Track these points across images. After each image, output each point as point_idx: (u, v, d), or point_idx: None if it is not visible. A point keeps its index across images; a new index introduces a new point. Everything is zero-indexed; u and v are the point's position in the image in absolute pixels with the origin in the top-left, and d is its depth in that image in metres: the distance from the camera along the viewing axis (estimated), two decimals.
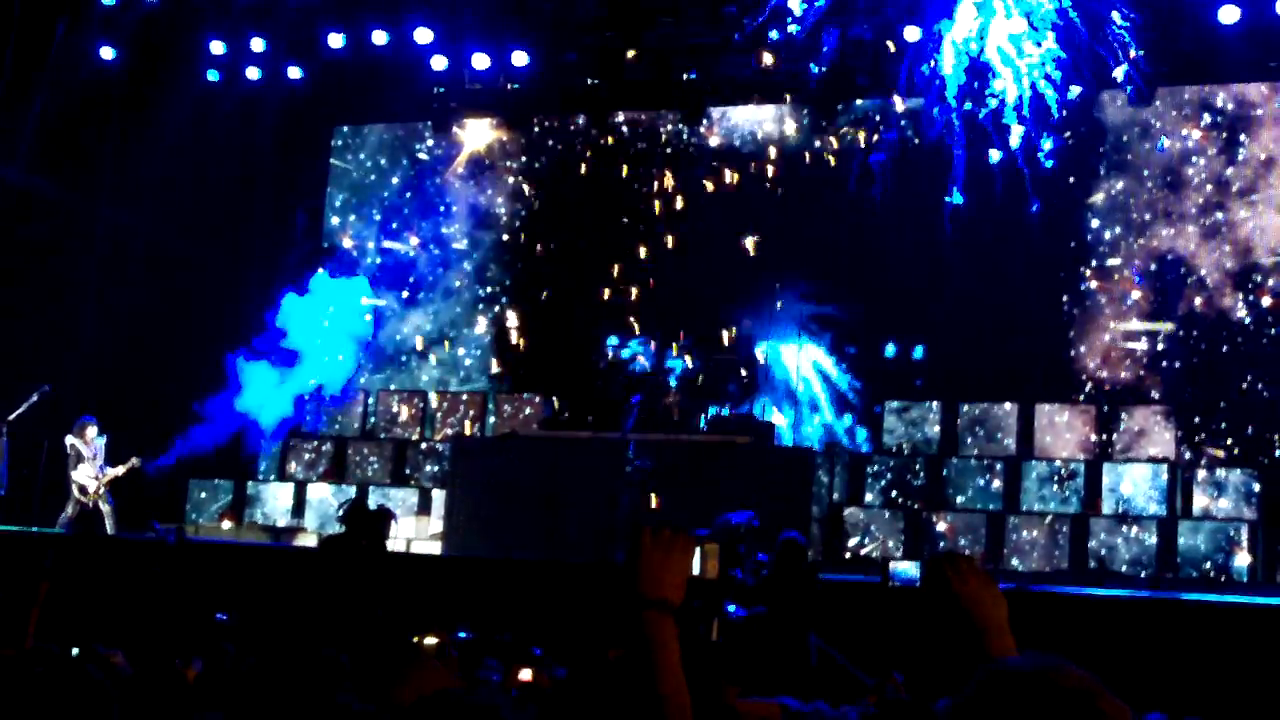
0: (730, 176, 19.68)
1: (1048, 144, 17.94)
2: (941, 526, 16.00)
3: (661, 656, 2.98)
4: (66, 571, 11.55)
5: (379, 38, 18.87)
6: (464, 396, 19.61)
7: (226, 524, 18.52)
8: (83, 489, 17.36)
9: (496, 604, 13.00)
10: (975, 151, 18.17)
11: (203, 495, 19.06)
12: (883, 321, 18.48)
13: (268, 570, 14.26)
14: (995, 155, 18.03)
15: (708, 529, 13.10)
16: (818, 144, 19.45)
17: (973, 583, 3.04)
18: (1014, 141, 18.03)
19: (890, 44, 17.58)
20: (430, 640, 8.22)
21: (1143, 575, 15.01)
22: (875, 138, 19.10)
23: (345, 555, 11.55)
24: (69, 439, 17.45)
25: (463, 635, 10.61)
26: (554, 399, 18.58)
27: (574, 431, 16.63)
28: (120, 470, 17.55)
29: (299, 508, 18.56)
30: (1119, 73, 17.18)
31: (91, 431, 17.68)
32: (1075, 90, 17.61)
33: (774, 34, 17.44)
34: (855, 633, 11.69)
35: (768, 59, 17.96)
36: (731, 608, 10.99)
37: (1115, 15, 16.58)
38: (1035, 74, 17.33)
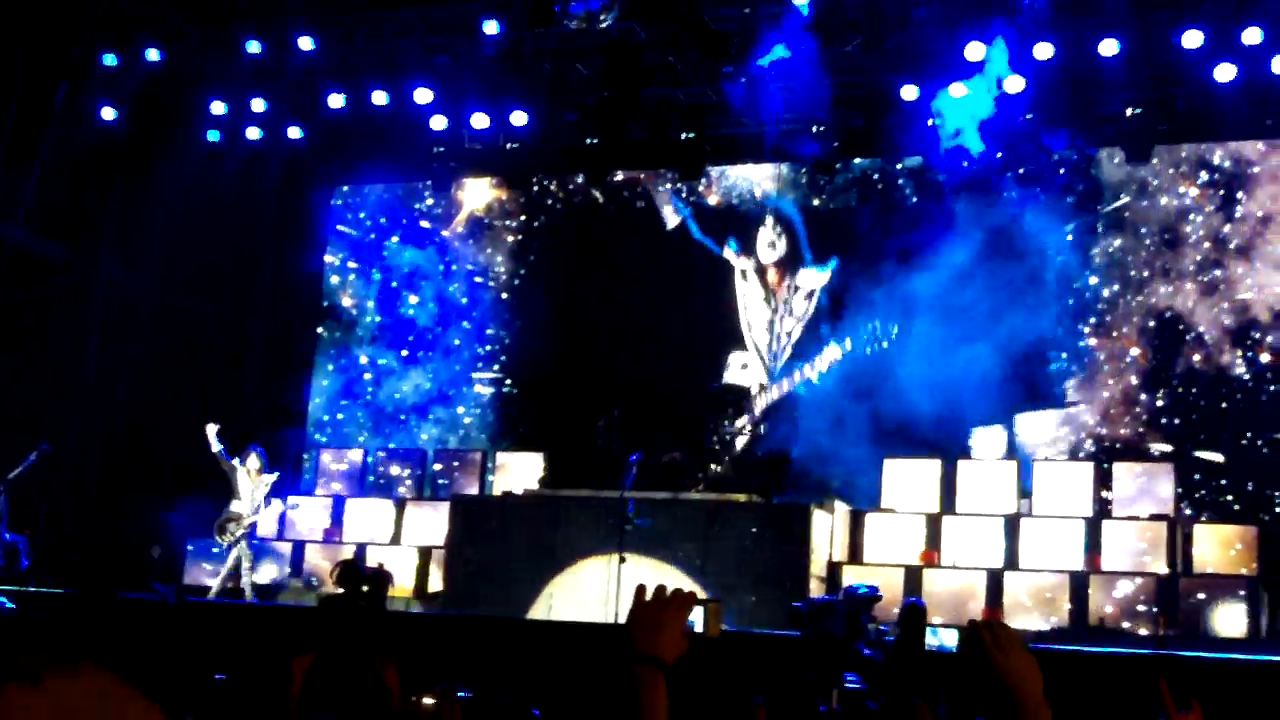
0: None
1: (1044, 201, 18.09)
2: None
3: (648, 713, 2.99)
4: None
5: (379, 98, 18.96)
6: (463, 455, 19.61)
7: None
8: (222, 528, 16.75)
9: (494, 664, 12.94)
10: (972, 209, 18.27)
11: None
12: (879, 380, 18.43)
13: (266, 630, 14.20)
14: (992, 213, 18.16)
15: (832, 595, 13.06)
16: (815, 203, 19.56)
17: (1012, 653, 3.00)
18: (1011, 199, 18.15)
19: (888, 104, 17.67)
20: (428, 700, 8.19)
21: (1144, 632, 14.93)
22: (872, 197, 19.25)
23: (344, 615, 11.51)
24: (236, 463, 16.88)
25: (461, 695, 10.56)
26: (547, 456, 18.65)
27: (573, 490, 16.62)
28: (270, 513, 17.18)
29: (297, 567, 18.49)
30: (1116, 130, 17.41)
31: (254, 462, 17.01)
32: (1074, 148, 17.75)
33: (771, 93, 17.51)
34: None
35: (764, 119, 18.03)
36: (852, 678, 10.93)
37: (1113, 73, 16.69)
38: (1033, 132, 17.44)
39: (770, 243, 19.45)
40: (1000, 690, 2.98)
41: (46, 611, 12.15)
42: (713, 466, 17.05)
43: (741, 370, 18.77)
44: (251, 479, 16.92)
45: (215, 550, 18.41)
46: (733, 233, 19.73)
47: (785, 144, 18.44)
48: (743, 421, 17.36)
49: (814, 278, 19.12)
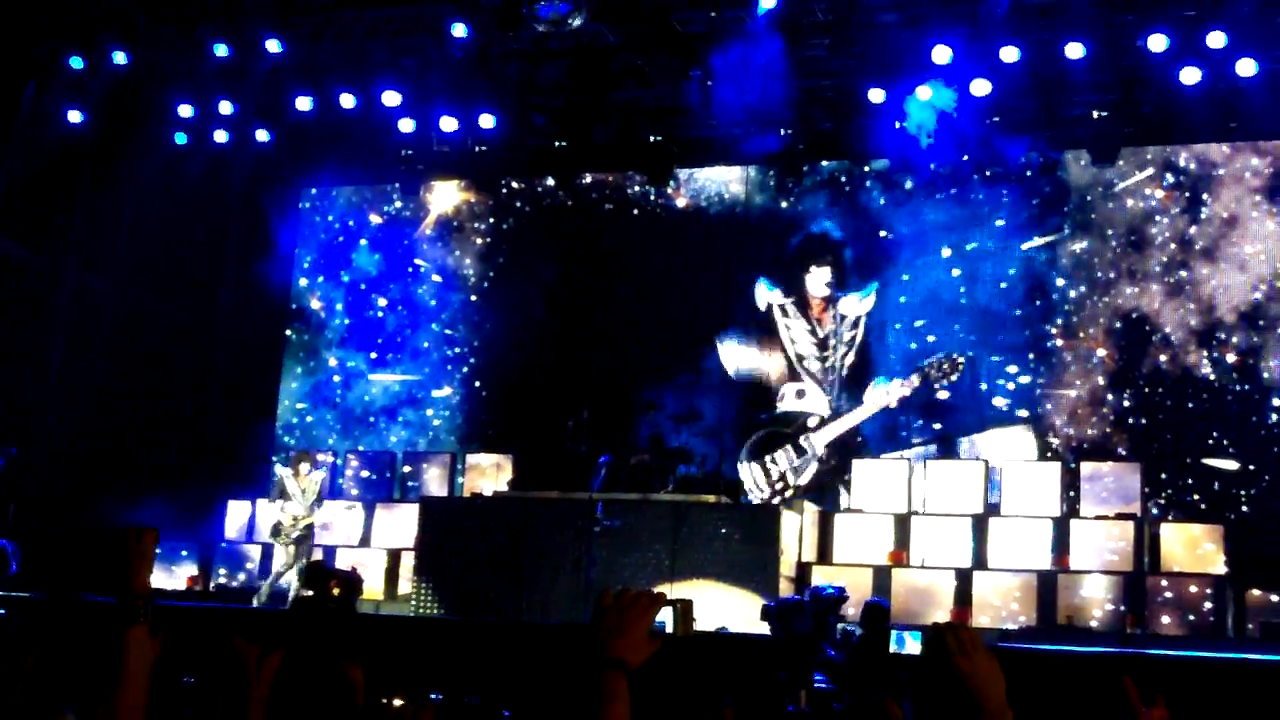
0: (697, 237, 19.81)
1: (1011, 201, 18.17)
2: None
3: (609, 715, 2.98)
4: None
5: (346, 100, 18.87)
6: (432, 457, 19.58)
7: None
8: (275, 529, 16.84)
9: (465, 666, 12.92)
10: (941, 211, 18.36)
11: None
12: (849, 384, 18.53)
13: (235, 632, 14.11)
14: (961, 212, 18.25)
15: (798, 595, 13.12)
16: (784, 205, 19.57)
17: (976, 658, 3.01)
18: (979, 199, 18.23)
19: (855, 106, 17.71)
20: (398, 702, 8.17)
21: (1111, 631, 14.97)
22: (840, 199, 19.29)
23: (314, 616, 11.50)
24: (279, 470, 17.03)
25: (432, 697, 10.54)
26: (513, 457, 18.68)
27: (542, 492, 16.60)
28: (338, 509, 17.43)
29: (264, 570, 18.40)
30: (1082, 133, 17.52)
31: (305, 465, 17.15)
32: (1039, 150, 17.83)
33: (738, 96, 17.51)
34: None
35: (731, 122, 18.03)
36: (820, 678, 10.95)
37: (1079, 76, 16.76)
38: (999, 134, 17.51)
39: (827, 282, 19.20)
40: (963, 694, 2.97)
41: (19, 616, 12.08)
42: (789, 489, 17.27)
43: (797, 399, 18.68)
44: (300, 480, 16.94)
45: (184, 554, 18.37)
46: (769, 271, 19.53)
47: (753, 146, 18.46)
48: (806, 456, 17.34)
49: (857, 305, 18.97)
